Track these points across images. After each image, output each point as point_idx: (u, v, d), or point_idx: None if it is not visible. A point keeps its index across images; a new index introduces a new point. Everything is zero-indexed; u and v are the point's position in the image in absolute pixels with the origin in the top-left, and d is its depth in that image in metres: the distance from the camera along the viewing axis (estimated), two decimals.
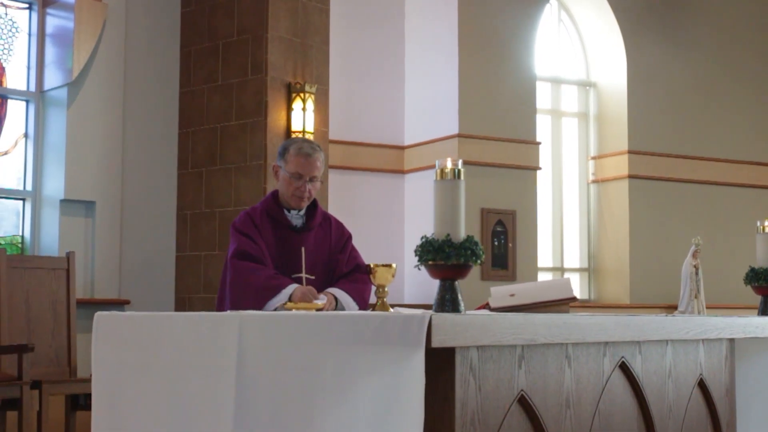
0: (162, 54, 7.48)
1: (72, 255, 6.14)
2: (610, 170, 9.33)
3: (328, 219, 4.30)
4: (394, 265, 3.10)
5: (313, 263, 4.08)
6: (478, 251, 2.70)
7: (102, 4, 7.04)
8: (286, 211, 4.15)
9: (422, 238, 2.74)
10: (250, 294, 3.91)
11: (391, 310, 3.10)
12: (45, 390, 5.50)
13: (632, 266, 9.09)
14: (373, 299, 3.29)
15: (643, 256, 9.11)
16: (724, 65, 9.71)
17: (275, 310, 3.85)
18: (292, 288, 3.91)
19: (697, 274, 8.58)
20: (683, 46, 9.50)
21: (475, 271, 8.01)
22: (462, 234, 2.72)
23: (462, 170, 2.77)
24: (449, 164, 2.76)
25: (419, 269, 2.77)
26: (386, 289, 3.16)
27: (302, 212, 4.18)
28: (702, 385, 3.62)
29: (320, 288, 4.03)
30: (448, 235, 2.70)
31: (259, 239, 4.05)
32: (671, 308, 8.77)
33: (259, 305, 3.86)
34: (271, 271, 3.99)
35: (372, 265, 3.14)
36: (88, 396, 5.58)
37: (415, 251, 2.73)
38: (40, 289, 5.93)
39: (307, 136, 7.07)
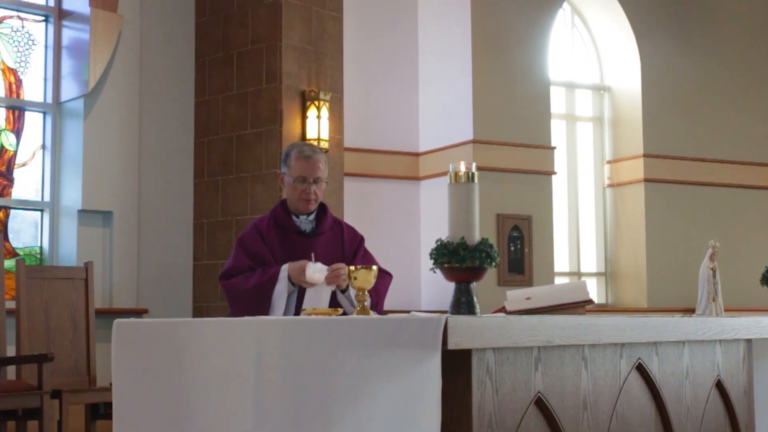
0: (177, 64, 7.52)
1: (90, 265, 6.17)
2: (625, 174, 9.31)
3: (339, 224, 4.31)
4: (374, 268, 3.09)
5: None
6: (492, 254, 2.71)
7: (117, 16, 7.08)
8: (294, 217, 4.17)
9: (437, 241, 2.75)
10: (249, 299, 3.96)
11: (410, 314, 3.10)
12: (65, 399, 5.52)
13: (649, 270, 9.06)
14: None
15: (660, 260, 9.09)
16: (738, 67, 9.68)
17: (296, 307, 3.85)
18: (285, 268, 3.96)
19: (714, 276, 8.55)
20: (697, 48, 9.48)
21: (491, 276, 8.12)
22: (477, 237, 2.73)
23: (476, 173, 2.78)
24: (463, 168, 2.78)
25: (434, 272, 2.78)
26: (366, 293, 3.13)
27: (311, 217, 4.20)
28: (720, 386, 3.60)
29: (331, 293, 4.03)
30: (463, 237, 2.71)
31: (263, 249, 4.08)
32: (689, 311, 8.74)
33: (262, 304, 3.90)
34: (259, 271, 4.03)
35: (352, 268, 3.12)
36: (108, 405, 5.61)
37: (431, 254, 2.74)
38: (59, 299, 5.96)
39: (322, 143, 7.11)
